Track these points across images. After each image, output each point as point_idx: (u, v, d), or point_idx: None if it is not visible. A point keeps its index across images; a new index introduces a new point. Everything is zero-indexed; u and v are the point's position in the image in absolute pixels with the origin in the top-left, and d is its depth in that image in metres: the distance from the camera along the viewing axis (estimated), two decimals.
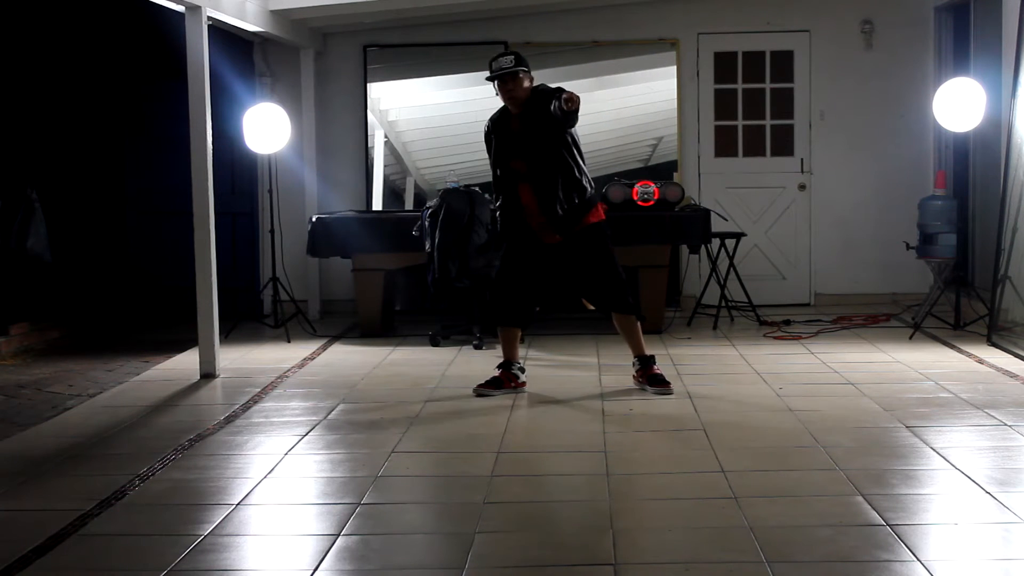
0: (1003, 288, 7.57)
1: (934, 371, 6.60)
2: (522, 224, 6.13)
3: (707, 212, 8.56)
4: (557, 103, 5.78)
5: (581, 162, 6.10)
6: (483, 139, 6.29)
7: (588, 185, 6.10)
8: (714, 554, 3.65)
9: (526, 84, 6.00)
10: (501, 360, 6.33)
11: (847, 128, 9.70)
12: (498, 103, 6.17)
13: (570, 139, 6.03)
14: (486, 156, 6.31)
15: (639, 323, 6.27)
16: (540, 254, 6.16)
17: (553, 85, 6.11)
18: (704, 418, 5.53)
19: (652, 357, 6.29)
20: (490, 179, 6.33)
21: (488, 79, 6.04)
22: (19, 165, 8.39)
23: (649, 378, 6.20)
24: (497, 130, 6.17)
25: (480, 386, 6.22)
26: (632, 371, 6.33)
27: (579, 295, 6.43)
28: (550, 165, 5.98)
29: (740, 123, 9.80)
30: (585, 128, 9.16)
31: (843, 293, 9.74)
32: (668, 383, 6.17)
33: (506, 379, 6.25)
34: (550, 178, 5.98)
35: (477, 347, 7.73)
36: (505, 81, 5.97)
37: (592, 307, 6.64)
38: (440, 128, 9.69)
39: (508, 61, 5.94)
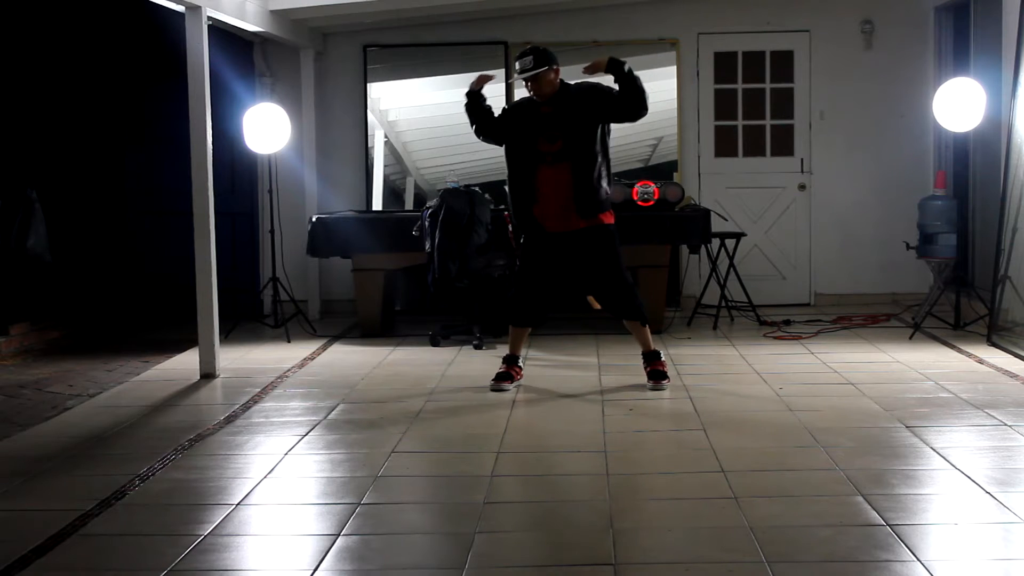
0: (1003, 288, 7.57)
1: (934, 371, 6.60)
2: (532, 220, 6.21)
3: (707, 212, 8.56)
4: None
5: (607, 162, 6.22)
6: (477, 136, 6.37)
7: (609, 186, 6.25)
8: (714, 554, 3.65)
9: (551, 78, 6.13)
10: (506, 355, 6.44)
11: (847, 128, 9.70)
12: (498, 104, 6.20)
13: (601, 138, 6.16)
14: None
15: (646, 326, 6.41)
16: (552, 252, 6.24)
17: (591, 80, 6.26)
18: (704, 418, 5.53)
19: (657, 352, 6.41)
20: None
21: (515, 79, 6.18)
22: (19, 165, 8.38)
23: (648, 373, 6.33)
24: (520, 114, 6.26)
25: (496, 381, 6.34)
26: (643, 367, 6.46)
27: (585, 293, 6.52)
28: (585, 146, 6.10)
29: (740, 123, 9.80)
30: None
31: (843, 293, 9.75)
32: (662, 379, 6.29)
33: (513, 372, 6.40)
34: (585, 158, 6.09)
35: (477, 347, 7.74)
36: (528, 81, 6.12)
37: (598, 306, 6.70)
38: (440, 128, 9.69)
39: (528, 63, 6.07)
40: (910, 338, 7.81)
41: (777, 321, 8.63)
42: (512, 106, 6.45)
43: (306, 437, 5.31)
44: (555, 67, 6.11)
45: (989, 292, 7.81)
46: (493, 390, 6.28)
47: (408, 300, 9.44)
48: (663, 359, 6.43)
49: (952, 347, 7.42)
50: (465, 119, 6.43)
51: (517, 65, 6.12)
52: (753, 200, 9.74)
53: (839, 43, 9.66)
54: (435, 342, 7.93)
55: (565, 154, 6.09)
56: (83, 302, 9.07)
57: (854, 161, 9.70)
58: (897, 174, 9.62)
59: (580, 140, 6.09)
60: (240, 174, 9.65)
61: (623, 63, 6.15)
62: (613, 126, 6.26)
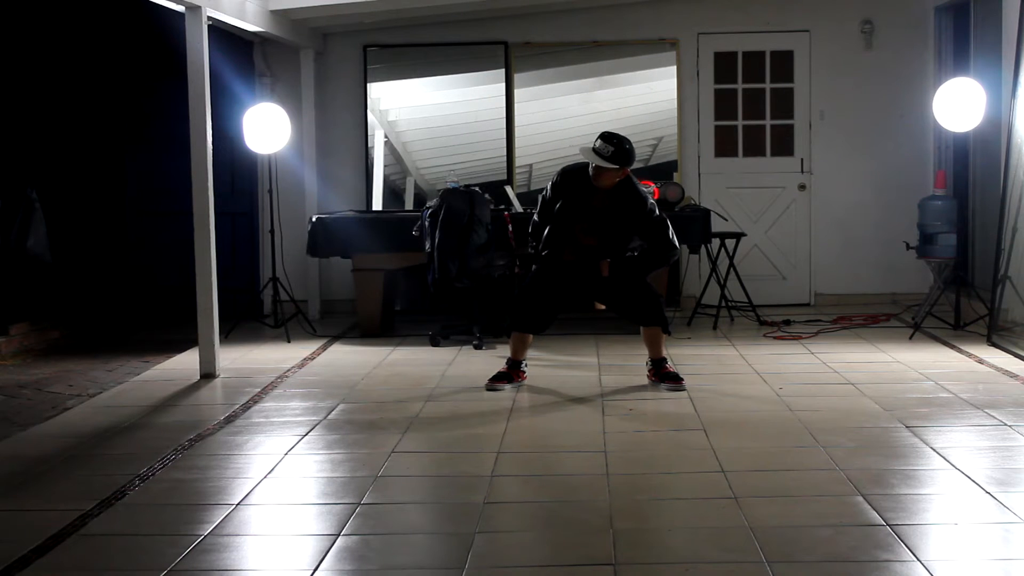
0: (1003, 288, 7.57)
1: (934, 371, 6.60)
2: (559, 254, 6.33)
3: (707, 212, 8.57)
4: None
5: (655, 232, 6.25)
6: (554, 186, 6.36)
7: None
8: (714, 554, 3.65)
9: (616, 176, 6.12)
10: (508, 359, 6.45)
11: (847, 128, 9.70)
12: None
13: (648, 220, 6.22)
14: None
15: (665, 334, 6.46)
16: (572, 270, 6.32)
17: (644, 187, 6.36)
18: (704, 418, 5.54)
19: (665, 358, 6.42)
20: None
21: (583, 150, 6.17)
22: (19, 165, 8.38)
23: (662, 375, 6.32)
24: (574, 190, 6.23)
25: (491, 380, 6.37)
26: (646, 370, 6.45)
27: (594, 299, 6.54)
28: (620, 243, 6.25)
29: (740, 123, 9.80)
30: (585, 128, 9.27)
31: (843, 293, 9.75)
32: (681, 379, 6.29)
33: (515, 375, 6.42)
34: (616, 247, 6.26)
35: (477, 347, 7.74)
36: (594, 165, 6.10)
37: (602, 307, 6.70)
38: (440, 128, 9.69)
39: (606, 152, 6.04)
40: (910, 338, 7.81)
41: (777, 321, 8.63)
42: (565, 178, 6.31)
43: (306, 437, 5.31)
44: (626, 169, 6.13)
45: (989, 292, 7.81)
46: (488, 389, 6.30)
47: (408, 300, 9.45)
48: (669, 363, 6.47)
49: (952, 347, 7.42)
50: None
51: (597, 145, 6.06)
52: (753, 200, 9.74)
53: (839, 43, 9.66)
54: (435, 342, 7.92)
55: (598, 244, 6.23)
56: (83, 302, 9.07)
57: (854, 161, 9.70)
58: (897, 174, 9.63)
59: (616, 241, 6.21)
60: (240, 174, 9.65)
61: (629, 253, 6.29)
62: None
